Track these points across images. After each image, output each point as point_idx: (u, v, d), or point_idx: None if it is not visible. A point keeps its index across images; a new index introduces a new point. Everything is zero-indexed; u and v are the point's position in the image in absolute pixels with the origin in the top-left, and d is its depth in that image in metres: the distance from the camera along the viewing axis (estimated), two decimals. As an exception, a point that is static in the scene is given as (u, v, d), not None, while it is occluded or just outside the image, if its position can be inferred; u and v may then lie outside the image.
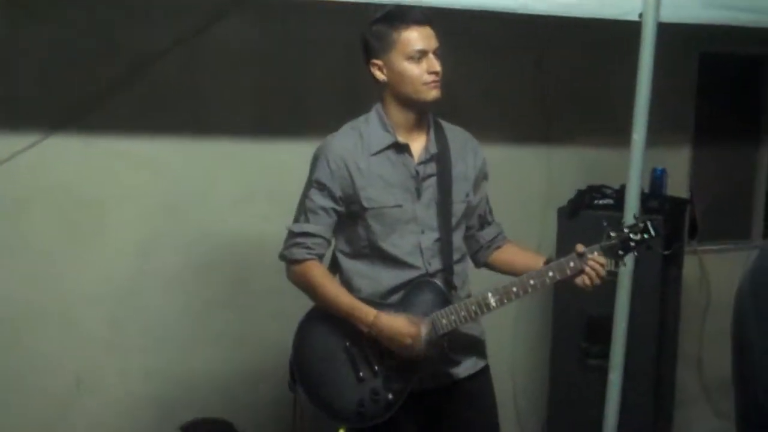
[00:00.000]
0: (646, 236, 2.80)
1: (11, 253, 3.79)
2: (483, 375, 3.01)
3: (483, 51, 4.34)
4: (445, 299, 2.82)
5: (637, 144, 3.59)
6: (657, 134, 3.73)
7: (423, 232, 2.84)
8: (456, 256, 2.90)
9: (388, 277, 2.84)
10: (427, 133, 2.87)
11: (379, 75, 2.79)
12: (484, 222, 3.05)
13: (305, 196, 2.86)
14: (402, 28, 2.73)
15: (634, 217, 2.98)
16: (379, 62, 2.77)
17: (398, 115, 2.82)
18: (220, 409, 4.01)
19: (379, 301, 2.82)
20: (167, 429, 3.85)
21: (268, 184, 4.08)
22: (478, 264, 3.10)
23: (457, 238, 2.92)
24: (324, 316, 2.86)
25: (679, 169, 5.02)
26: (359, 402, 2.80)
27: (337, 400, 2.82)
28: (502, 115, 4.54)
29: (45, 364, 3.89)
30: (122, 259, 3.98)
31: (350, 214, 2.83)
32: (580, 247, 2.78)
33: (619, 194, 4.06)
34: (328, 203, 2.81)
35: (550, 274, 2.79)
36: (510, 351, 4.75)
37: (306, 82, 4.15)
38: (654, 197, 4.33)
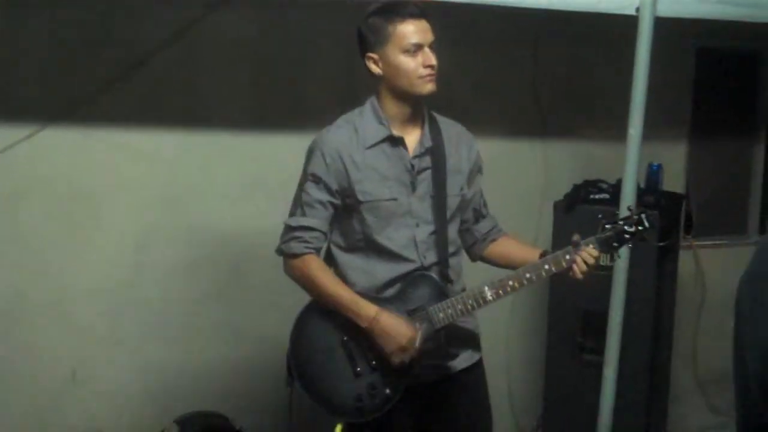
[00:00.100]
0: (640, 228, 2.81)
1: (7, 245, 3.80)
2: (478, 367, 3.03)
3: (479, 45, 4.35)
4: (441, 293, 2.83)
5: (633, 139, 3.58)
6: (653, 129, 3.73)
7: (418, 225, 2.84)
8: (451, 249, 2.90)
9: (383, 271, 2.84)
10: (422, 127, 2.87)
11: (375, 68, 2.79)
12: (479, 215, 3.05)
13: (301, 189, 2.86)
14: (398, 22, 2.72)
15: (629, 209, 2.98)
16: (374, 55, 2.77)
17: (393, 108, 2.82)
18: (216, 402, 4.00)
19: (375, 295, 2.82)
20: (162, 422, 3.84)
21: (265, 178, 4.08)
22: (473, 257, 3.10)
23: (452, 231, 2.92)
24: (321, 311, 2.86)
25: (675, 164, 5.03)
26: (357, 397, 2.81)
27: (335, 395, 2.83)
28: (498, 109, 4.55)
29: (40, 356, 3.90)
30: (118, 252, 3.98)
31: (345, 208, 2.83)
32: (576, 236, 2.79)
33: (615, 189, 4.06)
34: (325, 196, 2.81)
35: (546, 267, 2.79)
36: (505, 345, 4.76)
37: (303, 76, 4.15)
38: (650, 192, 4.34)
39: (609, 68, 4.36)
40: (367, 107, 2.85)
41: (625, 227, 2.80)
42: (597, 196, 4.29)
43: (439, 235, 2.86)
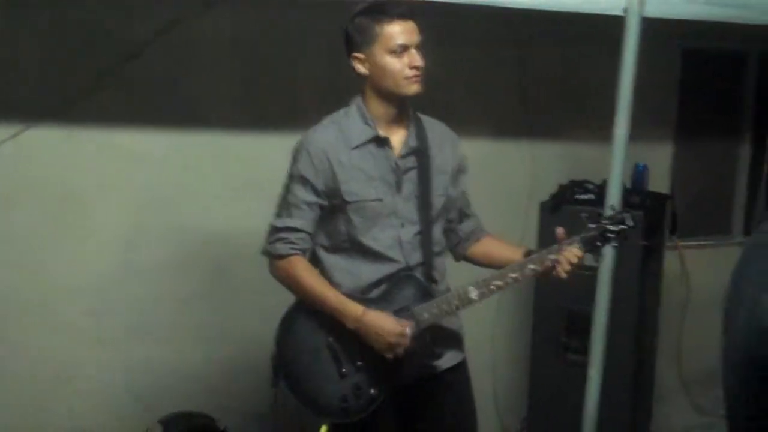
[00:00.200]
0: (623, 227, 2.82)
1: (-7, 244, 3.78)
2: (462, 367, 3.03)
3: (465, 45, 4.34)
4: (426, 293, 2.83)
5: (619, 139, 3.58)
6: (639, 130, 3.73)
7: (403, 225, 2.84)
8: (436, 250, 2.90)
9: (368, 271, 2.83)
10: (407, 127, 2.87)
11: (361, 68, 2.78)
12: (463, 215, 3.05)
13: (287, 190, 2.85)
14: (384, 22, 2.72)
15: (612, 208, 2.99)
16: (360, 55, 2.77)
17: (379, 108, 2.81)
18: (201, 403, 4.00)
19: (360, 296, 2.82)
20: (147, 422, 3.83)
21: (252, 178, 4.07)
22: (457, 257, 3.10)
23: (437, 231, 2.92)
24: (307, 312, 2.85)
25: (660, 165, 5.04)
26: (342, 397, 2.81)
27: (320, 396, 2.83)
28: (484, 110, 4.55)
29: (26, 356, 3.88)
30: (105, 252, 3.96)
31: (332, 208, 2.83)
32: (560, 231, 2.79)
33: (601, 189, 4.06)
34: (311, 197, 2.80)
35: (531, 266, 2.80)
36: (490, 345, 4.76)
37: (293, 76, 4.14)
38: (635, 192, 4.35)
39: (595, 69, 4.36)
40: (353, 108, 2.85)
41: (609, 226, 2.81)
42: (583, 197, 4.30)
43: (425, 236, 2.86)
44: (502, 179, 4.61)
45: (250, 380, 4.04)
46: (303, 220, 2.81)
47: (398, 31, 2.72)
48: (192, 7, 3.86)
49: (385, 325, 2.75)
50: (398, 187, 2.83)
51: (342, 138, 2.81)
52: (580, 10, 3.66)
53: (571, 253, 2.76)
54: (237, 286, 4.14)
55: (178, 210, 4.04)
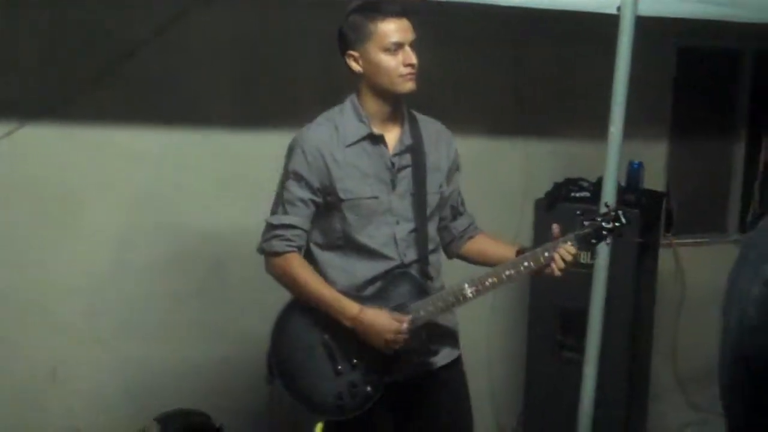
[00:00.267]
0: (617, 224, 2.81)
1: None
2: (457, 364, 3.03)
3: (460, 43, 4.35)
4: (421, 290, 2.83)
5: (614, 137, 3.59)
6: (634, 128, 3.74)
7: (398, 223, 2.84)
8: (431, 247, 2.91)
9: (363, 269, 2.84)
10: (402, 125, 2.87)
11: (355, 66, 2.78)
12: (457, 213, 3.06)
13: (282, 187, 2.85)
14: (379, 20, 2.72)
15: (606, 205, 3.00)
16: (355, 53, 2.77)
17: (373, 106, 2.81)
18: (196, 400, 4.00)
19: (356, 294, 2.82)
20: (143, 420, 3.83)
21: (247, 175, 4.07)
22: (450, 255, 3.11)
23: (432, 228, 2.93)
24: (302, 309, 2.85)
25: (655, 163, 5.05)
26: (338, 395, 2.81)
27: (316, 394, 2.83)
28: (479, 108, 4.55)
29: (20, 354, 3.88)
30: (99, 250, 3.96)
31: (326, 206, 2.83)
32: (555, 228, 2.80)
33: (596, 187, 4.08)
34: (306, 194, 2.80)
35: (525, 263, 2.79)
36: (486, 343, 4.77)
37: (287, 73, 4.14)
38: (630, 190, 4.35)
39: (590, 67, 4.37)
40: (348, 105, 2.85)
41: (603, 223, 2.81)
42: (578, 195, 4.31)
43: (419, 233, 2.86)
44: (497, 177, 4.61)
45: (245, 378, 4.03)
46: (298, 217, 2.81)
47: (392, 29, 2.72)
48: (190, 6, 3.86)
49: (383, 322, 2.75)
50: (393, 184, 2.83)
51: (336, 135, 2.81)
52: (575, 9, 3.66)
53: (566, 250, 2.76)
54: (233, 284, 4.14)
55: (175, 208, 4.04)
